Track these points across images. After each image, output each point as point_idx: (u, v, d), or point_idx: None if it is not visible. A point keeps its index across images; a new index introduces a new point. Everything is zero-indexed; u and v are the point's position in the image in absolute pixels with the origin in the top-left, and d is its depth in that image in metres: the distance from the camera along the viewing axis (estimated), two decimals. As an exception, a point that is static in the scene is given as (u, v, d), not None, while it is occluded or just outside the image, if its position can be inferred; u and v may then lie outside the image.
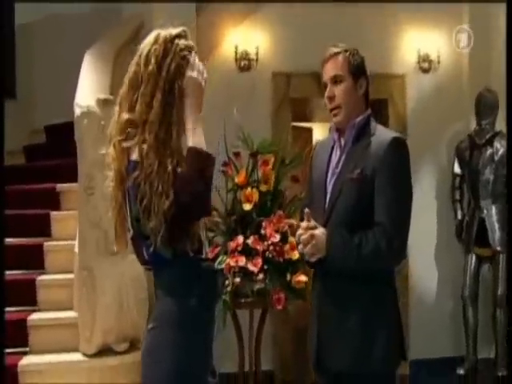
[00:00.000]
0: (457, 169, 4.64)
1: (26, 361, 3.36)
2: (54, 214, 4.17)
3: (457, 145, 4.64)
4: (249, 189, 3.53)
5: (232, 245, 3.42)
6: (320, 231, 2.03)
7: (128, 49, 4.17)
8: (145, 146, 1.80)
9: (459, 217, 4.64)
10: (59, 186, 4.33)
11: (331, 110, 2.14)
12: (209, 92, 4.36)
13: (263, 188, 3.56)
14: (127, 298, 3.38)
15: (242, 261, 3.35)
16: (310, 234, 2.01)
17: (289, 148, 4.30)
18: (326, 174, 2.14)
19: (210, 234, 3.63)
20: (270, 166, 3.60)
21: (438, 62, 4.74)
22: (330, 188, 2.11)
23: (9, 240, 4.02)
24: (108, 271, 3.34)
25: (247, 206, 3.51)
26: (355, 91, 2.14)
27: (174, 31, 1.89)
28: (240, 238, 3.43)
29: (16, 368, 3.29)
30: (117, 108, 1.89)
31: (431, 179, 4.80)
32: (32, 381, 3.29)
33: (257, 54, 4.41)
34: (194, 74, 1.86)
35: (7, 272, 3.79)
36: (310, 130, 6.80)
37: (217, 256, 3.46)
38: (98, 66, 3.87)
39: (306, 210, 2.06)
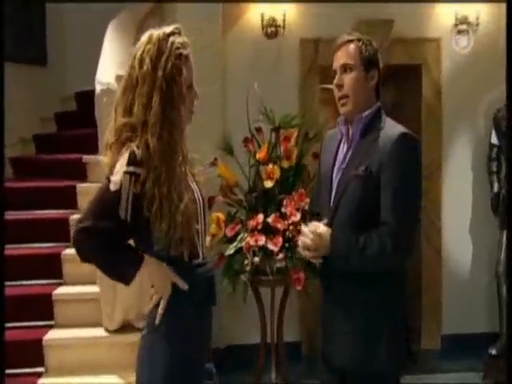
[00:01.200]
0: (494, 139, 4.41)
1: (50, 335, 3.43)
2: (80, 185, 4.18)
3: (494, 113, 4.40)
4: (270, 165, 3.46)
5: (252, 223, 3.37)
6: (324, 229, 1.96)
7: (151, 20, 4.08)
8: (149, 149, 1.74)
9: (495, 189, 4.43)
10: (85, 158, 4.33)
11: (339, 99, 2.05)
12: (235, 61, 4.36)
13: (285, 164, 3.48)
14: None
15: (262, 240, 3.31)
16: (314, 235, 1.96)
17: (315, 117, 4.20)
18: (332, 169, 2.08)
19: (233, 210, 3.60)
20: (293, 142, 3.50)
21: (477, 25, 4.46)
22: (335, 184, 2.05)
23: (35, 212, 4.10)
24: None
25: (268, 183, 3.44)
26: (365, 82, 2.04)
27: (168, 29, 1.83)
28: (260, 217, 3.37)
29: (41, 342, 3.37)
30: (112, 113, 1.83)
31: (467, 150, 4.59)
32: (55, 354, 3.37)
33: (284, 20, 4.24)
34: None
35: (34, 245, 3.90)
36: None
37: (237, 234, 3.43)
38: (120, 38, 3.80)
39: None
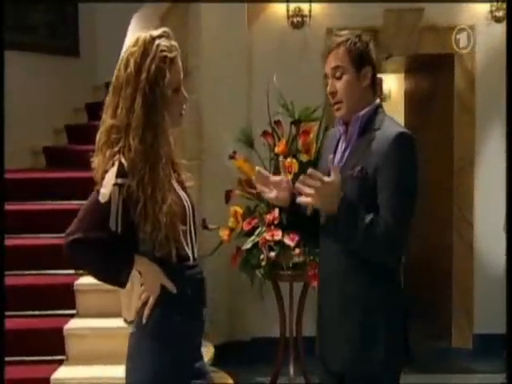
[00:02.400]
0: (529, 132, 4.24)
1: (71, 324, 3.50)
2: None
3: (530, 105, 4.22)
4: (289, 159, 3.41)
5: (268, 217, 3.35)
6: (335, 180, 1.83)
7: (175, 13, 4.07)
8: (131, 152, 1.75)
9: (530, 184, 4.27)
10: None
11: (334, 104, 2.02)
12: (260, 52, 4.32)
13: (304, 158, 3.44)
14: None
15: (278, 235, 3.28)
16: (321, 181, 1.81)
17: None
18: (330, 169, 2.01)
19: (252, 204, 3.59)
20: (312, 135, 3.45)
21: (514, 12, 4.27)
22: None
23: (60, 202, 4.18)
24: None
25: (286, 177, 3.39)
26: (358, 83, 1.98)
27: (155, 32, 1.81)
28: (277, 211, 3.34)
29: (62, 331, 3.44)
30: (104, 114, 1.84)
31: (500, 142, 4.43)
32: (76, 343, 3.44)
33: (310, 10, 4.17)
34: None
35: (59, 235, 3.97)
36: (380, 81, 6.49)
37: (254, 228, 3.41)
38: (142, 31, 3.79)
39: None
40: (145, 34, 1.80)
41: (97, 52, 5.56)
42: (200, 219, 3.76)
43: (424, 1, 4.14)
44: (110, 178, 1.75)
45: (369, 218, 1.84)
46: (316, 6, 4.20)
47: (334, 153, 2.05)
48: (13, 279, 3.65)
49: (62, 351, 3.43)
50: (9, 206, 4.04)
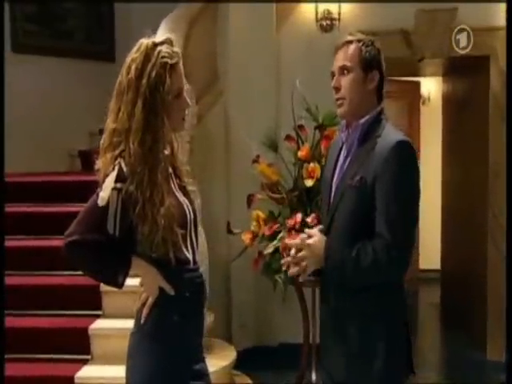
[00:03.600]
0: None
1: (96, 324, 3.56)
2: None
3: None
4: (311, 164, 3.39)
5: (290, 222, 3.33)
6: (316, 239, 1.90)
7: (204, 17, 4.10)
8: (131, 155, 1.79)
9: None
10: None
11: (336, 100, 2.00)
12: (288, 54, 4.30)
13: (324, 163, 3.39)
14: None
15: (299, 240, 3.25)
16: (306, 245, 1.91)
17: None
18: (332, 177, 2.01)
19: (276, 209, 3.57)
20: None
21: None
22: (333, 192, 1.98)
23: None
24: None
25: (309, 182, 3.38)
26: (363, 84, 1.95)
27: (158, 39, 1.85)
28: (298, 216, 3.32)
29: (87, 331, 3.51)
30: (108, 119, 1.88)
31: (537, 147, 4.27)
32: (100, 343, 3.50)
33: (339, 12, 4.12)
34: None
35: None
36: (417, 84, 6.36)
37: (275, 233, 3.39)
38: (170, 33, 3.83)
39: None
40: (147, 41, 1.84)
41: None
42: (225, 223, 3.79)
43: (457, 0, 4.04)
44: (110, 182, 1.79)
45: (354, 252, 1.83)
46: (345, 7, 4.15)
47: (336, 161, 2.03)
48: (43, 279, 3.76)
49: (87, 351, 3.49)
50: (45, 209, 4.17)
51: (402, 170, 1.83)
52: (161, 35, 3.97)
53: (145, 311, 1.86)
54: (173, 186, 1.88)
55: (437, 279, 6.05)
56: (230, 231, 3.66)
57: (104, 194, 1.78)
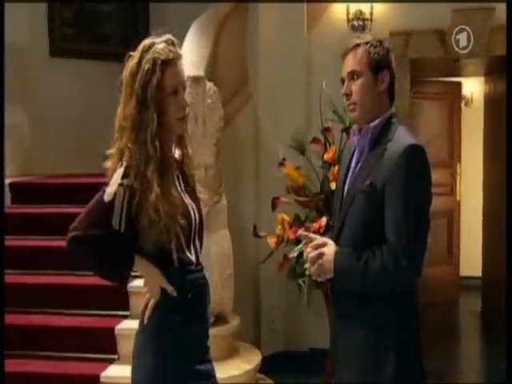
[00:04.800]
0: None
1: (123, 325, 3.60)
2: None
3: None
4: (337, 167, 3.33)
5: (315, 226, 3.29)
6: (329, 249, 1.88)
7: (234, 19, 4.09)
8: (128, 150, 1.81)
9: None
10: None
11: (348, 106, 1.97)
12: (318, 57, 4.25)
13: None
14: (212, 274, 3.43)
15: (323, 244, 3.21)
16: (318, 253, 1.89)
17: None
18: (344, 181, 1.99)
19: (303, 212, 3.54)
20: (362, 143, 3.34)
21: None
22: (344, 197, 1.96)
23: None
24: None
25: (334, 185, 3.31)
26: (374, 86, 1.91)
27: (158, 39, 1.85)
28: (323, 220, 3.28)
29: (113, 331, 3.55)
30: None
31: None
32: (127, 343, 3.52)
33: (371, 12, 4.05)
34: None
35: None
36: (458, 85, 6.19)
37: (298, 238, 3.35)
38: (198, 39, 3.84)
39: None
40: (148, 40, 1.86)
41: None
42: (252, 226, 3.77)
43: (493, 0, 3.91)
44: (116, 178, 1.81)
45: (363, 259, 1.81)
46: (378, 7, 4.07)
47: (349, 165, 2.00)
48: (73, 279, 3.83)
49: (114, 350, 3.53)
50: (81, 210, 4.24)
51: (412, 175, 1.79)
52: (189, 41, 4.00)
53: (147, 312, 1.87)
54: (179, 187, 1.89)
55: (478, 287, 5.87)
56: (256, 234, 3.64)
57: (110, 189, 1.80)
